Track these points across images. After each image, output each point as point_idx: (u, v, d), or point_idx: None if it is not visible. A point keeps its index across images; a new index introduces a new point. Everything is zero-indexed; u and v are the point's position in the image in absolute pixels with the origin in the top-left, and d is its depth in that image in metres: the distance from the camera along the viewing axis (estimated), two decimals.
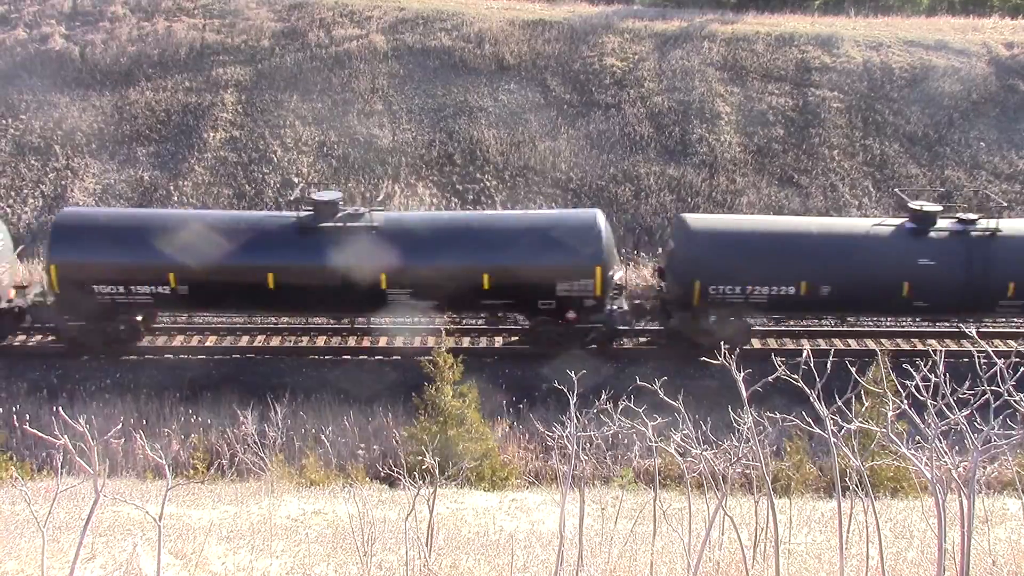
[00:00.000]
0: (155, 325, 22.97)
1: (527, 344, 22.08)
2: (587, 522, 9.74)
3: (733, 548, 8.88)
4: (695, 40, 36.07)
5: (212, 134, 31.38)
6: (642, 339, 22.91)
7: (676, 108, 32.83)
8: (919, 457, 6.29)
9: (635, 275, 25.79)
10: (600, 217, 20.87)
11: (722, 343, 8.22)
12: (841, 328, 23.17)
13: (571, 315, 20.60)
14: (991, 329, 22.95)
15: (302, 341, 22.98)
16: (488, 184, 29.93)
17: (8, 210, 28.56)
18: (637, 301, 22.70)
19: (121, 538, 11.00)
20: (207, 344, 22.65)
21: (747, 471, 11.08)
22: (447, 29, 36.09)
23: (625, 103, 33.03)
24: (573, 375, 8.59)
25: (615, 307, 21.22)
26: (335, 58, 34.61)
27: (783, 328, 23.10)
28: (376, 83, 33.60)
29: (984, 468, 16.34)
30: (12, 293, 21.78)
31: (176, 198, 29.09)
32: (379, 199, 28.21)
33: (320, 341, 23.00)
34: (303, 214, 20.80)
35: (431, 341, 18.89)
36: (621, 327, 21.78)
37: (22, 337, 22.63)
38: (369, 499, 12.77)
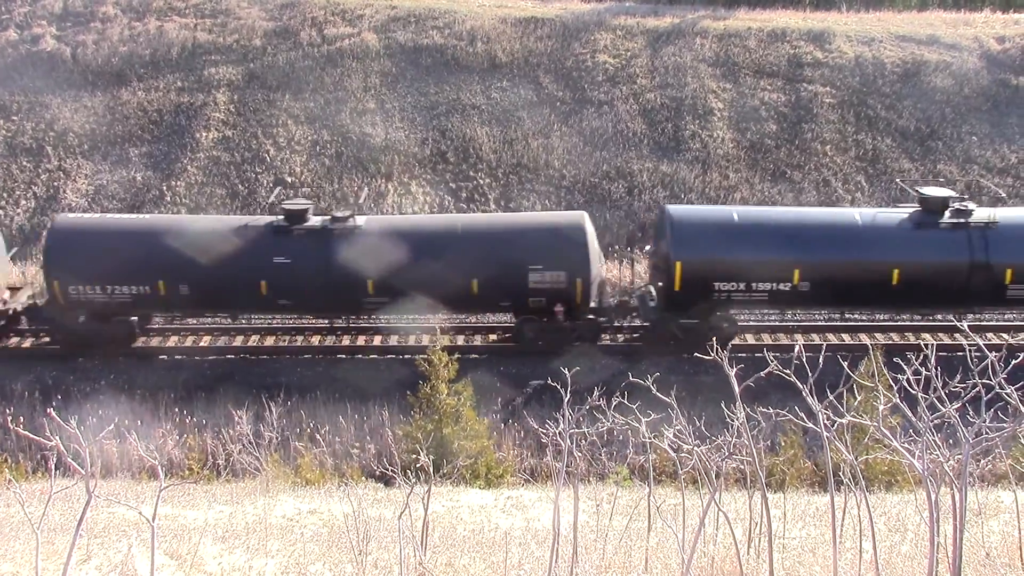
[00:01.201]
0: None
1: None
2: (582, 519, 9.76)
3: (728, 543, 8.90)
4: (687, 36, 36.09)
5: (205, 134, 31.31)
6: None
7: (669, 104, 32.85)
8: (911, 451, 6.31)
9: (629, 272, 25.83)
10: None
11: None
12: (834, 323, 23.23)
13: None
14: (982, 323, 23.05)
15: (296, 340, 23.01)
16: (481, 182, 29.93)
17: (0, 212, 28.46)
18: None
19: (116, 539, 10.98)
20: (202, 344, 22.64)
21: (741, 466, 11.12)
22: (439, 27, 36.07)
23: (618, 100, 33.04)
24: (567, 371, 8.54)
25: None
26: (327, 57, 34.57)
27: (776, 323, 23.22)
28: (368, 81, 33.57)
29: (978, 461, 16.39)
30: None
31: (169, 199, 29.04)
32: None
33: (315, 340, 23.04)
34: (912, 210, 21.08)
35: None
36: None
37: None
38: (364, 498, 12.80)
